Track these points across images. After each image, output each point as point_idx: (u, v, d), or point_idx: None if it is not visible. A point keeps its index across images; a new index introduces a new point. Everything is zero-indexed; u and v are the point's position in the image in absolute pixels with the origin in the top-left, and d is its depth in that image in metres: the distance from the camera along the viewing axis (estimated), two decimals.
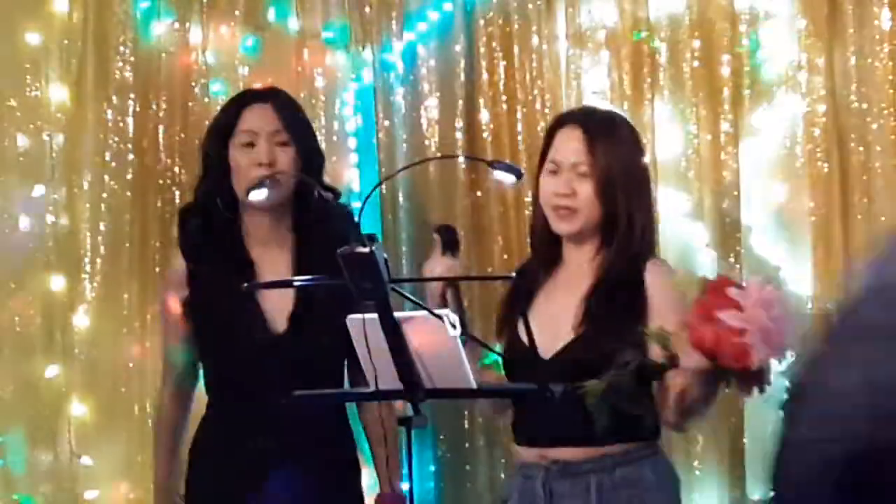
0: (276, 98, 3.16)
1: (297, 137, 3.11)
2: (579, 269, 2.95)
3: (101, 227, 3.74)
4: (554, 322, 2.85)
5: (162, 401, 3.24)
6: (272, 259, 3.11)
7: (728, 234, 3.66)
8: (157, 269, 3.65)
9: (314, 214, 3.08)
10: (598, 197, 2.89)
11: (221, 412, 3.13)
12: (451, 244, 2.83)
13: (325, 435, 3.09)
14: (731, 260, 3.65)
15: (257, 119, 3.10)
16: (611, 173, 2.90)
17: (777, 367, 2.64)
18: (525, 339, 2.75)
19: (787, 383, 3.67)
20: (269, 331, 3.07)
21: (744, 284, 2.62)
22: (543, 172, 2.95)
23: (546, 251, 2.96)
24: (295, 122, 3.14)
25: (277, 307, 3.07)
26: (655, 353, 2.70)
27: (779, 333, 2.61)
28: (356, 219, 2.33)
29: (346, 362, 3.09)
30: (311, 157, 3.12)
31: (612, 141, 2.97)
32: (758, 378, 2.65)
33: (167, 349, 3.22)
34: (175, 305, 3.15)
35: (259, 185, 2.76)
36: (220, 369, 3.14)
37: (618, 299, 2.87)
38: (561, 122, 3.02)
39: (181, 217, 3.21)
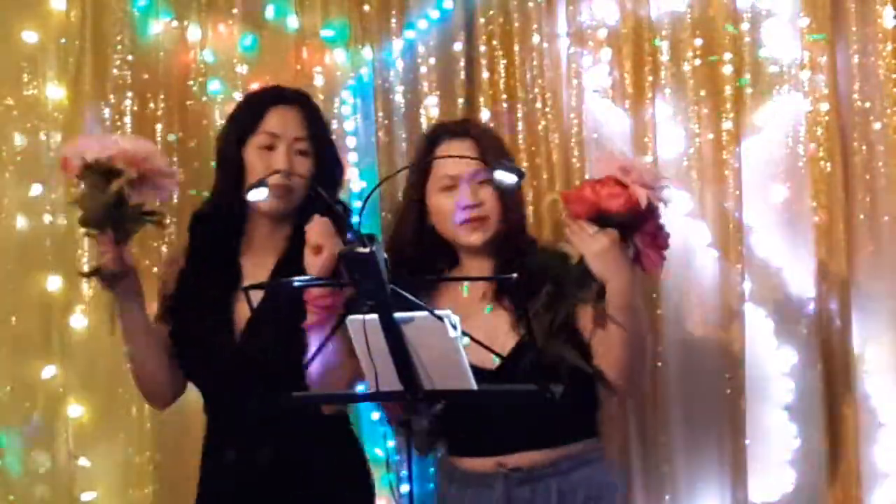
0: (304, 103, 3.04)
1: (318, 148, 3.00)
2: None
3: None
4: (494, 333, 2.92)
5: None
6: (257, 266, 3.00)
7: (730, 233, 3.65)
8: (155, 270, 3.61)
9: None
10: (502, 203, 2.98)
11: (208, 422, 3.05)
12: None
13: (308, 447, 2.95)
14: (733, 259, 3.63)
15: (282, 122, 2.97)
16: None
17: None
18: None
19: (790, 385, 3.68)
20: (230, 340, 2.94)
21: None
22: (434, 191, 3.00)
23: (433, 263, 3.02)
24: (319, 131, 3.02)
25: (242, 316, 2.94)
26: None
27: (644, 171, 2.74)
28: (356, 218, 2.31)
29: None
30: (328, 170, 3.01)
31: (501, 147, 3.10)
32: (657, 226, 2.77)
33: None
34: (164, 289, 3.08)
35: (259, 184, 2.69)
36: (194, 377, 3.03)
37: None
38: (437, 137, 3.04)
39: (192, 222, 3.08)
